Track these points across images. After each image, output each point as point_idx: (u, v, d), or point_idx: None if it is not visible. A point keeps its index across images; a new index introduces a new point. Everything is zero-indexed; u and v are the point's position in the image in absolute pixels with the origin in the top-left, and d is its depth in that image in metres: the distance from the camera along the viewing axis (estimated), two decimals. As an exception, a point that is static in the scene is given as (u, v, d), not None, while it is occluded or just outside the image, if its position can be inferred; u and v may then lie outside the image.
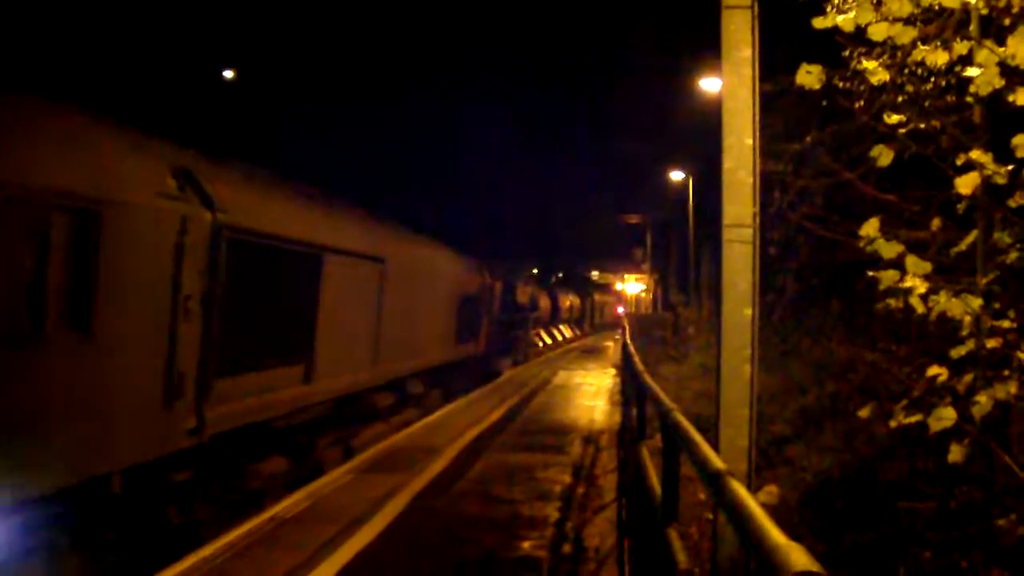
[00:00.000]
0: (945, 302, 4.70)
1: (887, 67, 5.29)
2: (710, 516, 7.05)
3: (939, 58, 5.00)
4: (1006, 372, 4.76)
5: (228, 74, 33.57)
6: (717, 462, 2.44)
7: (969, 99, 5.13)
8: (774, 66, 7.08)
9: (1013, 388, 4.60)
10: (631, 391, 8.09)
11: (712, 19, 6.29)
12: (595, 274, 79.60)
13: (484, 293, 24.34)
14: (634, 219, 58.81)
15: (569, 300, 52.46)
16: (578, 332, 56.01)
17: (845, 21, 4.84)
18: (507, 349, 30.61)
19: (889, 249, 4.77)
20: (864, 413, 5.94)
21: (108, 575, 6.88)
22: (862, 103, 6.20)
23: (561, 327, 49.22)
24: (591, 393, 20.39)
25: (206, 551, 6.99)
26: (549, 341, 43.25)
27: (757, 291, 6.22)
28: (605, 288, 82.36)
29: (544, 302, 41.75)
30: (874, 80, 5.23)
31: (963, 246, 5.11)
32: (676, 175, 33.65)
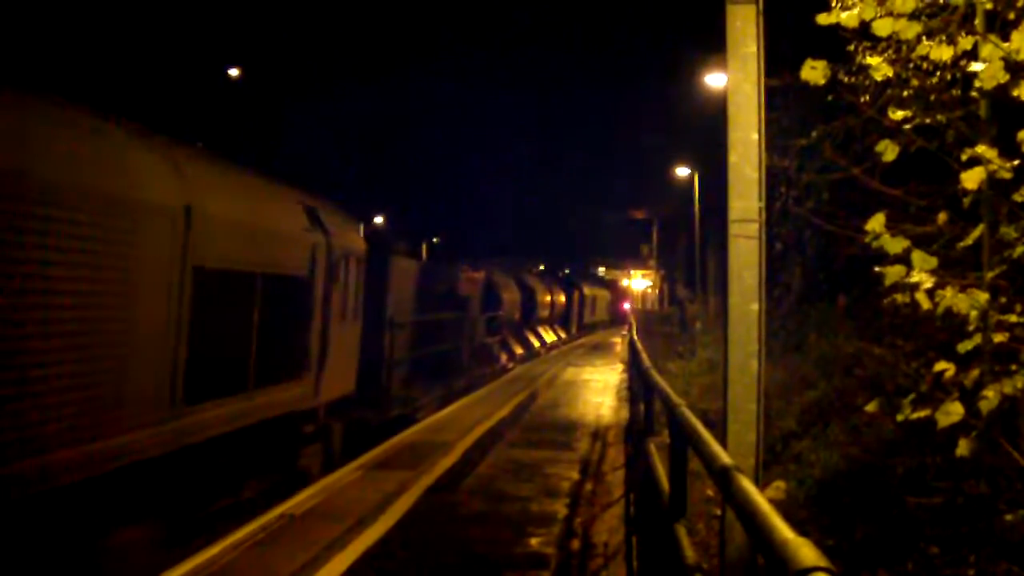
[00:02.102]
0: (951, 297, 4.70)
1: (891, 62, 5.29)
2: (718, 512, 7.06)
3: (944, 53, 5.00)
4: (1013, 367, 4.76)
5: (233, 72, 33.63)
6: (724, 457, 2.45)
7: (974, 94, 5.13)
8: (779, 62, 7.08)
9: (1020, 383, 4.60)
10: (638, 387, 8.10)
11: (717, 15, 6.31)
12: (601, 270, 79.04)
13: (338, 272, 11.72)
14: (640, 214, 58.81)
15: (550, 295, 39.75)
16: (562, 335, 43.51)
17: (849, 17, 4.84)
18: (437, 374, 19.17)
19: (895, 244, 4.78)
20: (871, 408, 5.95)
21: None
22: (867, 98, 6.19)
23: (540, 330, 37.74)
24: (598, 389, 20.39)
25: (215, 549, 7.02)
26: (520, 351, 31.79)
27: (763, 286, 6.23)
28: (598, 280, 72.05)
29: (510, 296, 30.09)
30: (878, 76, 5.23)
31: (969, 241, 5.11)
32: (682, 171, 33.60)
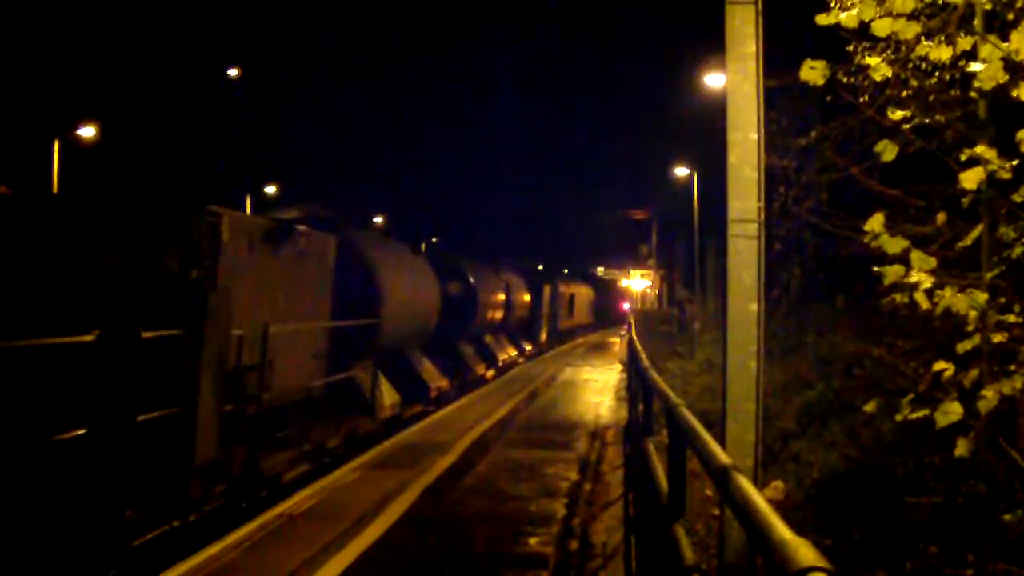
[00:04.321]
0: (950, 297, 4.70)
1: (891, 63, 5.29)
2: (717, 512, 7.07)
3: (943, 53, 5.00)
4: (1012, 367, 4.76)
5: (232, 72, 33.67)
6: (723, 457, 2.45)
7: (973, 94, 5.13)
8: (778, 62, 7.09)
9: (1019, 383, 4.60)
10: (637, 387, 8.11)
11: (717, 15, 6.32)
12: (600, 270, 78.88)
13: None
14: (639, 215, 58.65)
15: (504, 292, 26.95)
16: (527, 347, 31.21)
17: (848, 18, 4.84)
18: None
19: (894, 244, 4.78)
20: (870, 408, 5.95)
21: None
22: (866, 98, 6.19)
23: (487, 341, 25.19)
24: (597, 389, 20.40)
25: (214, 548, 7.02)
26: (440, 383, 18.04)
27: (762, 286, 6.23)
28: (580, 275, 61.44)
29: (413, 290, 16.98)
30: (877, 76, 5.23)
31: (968, 241, 5.11)
32: (681, 171, 33.59)
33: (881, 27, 4.85)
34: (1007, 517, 5.03)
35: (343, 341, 12.72)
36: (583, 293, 49.83)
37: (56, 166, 26.04)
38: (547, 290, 36.05)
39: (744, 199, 6.16)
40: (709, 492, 8.16)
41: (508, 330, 28.84)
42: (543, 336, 35.28)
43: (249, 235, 9.48)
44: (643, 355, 8.99)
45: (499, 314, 26.50)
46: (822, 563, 1.43)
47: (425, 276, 18.49)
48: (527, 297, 31.86)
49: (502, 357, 26.26)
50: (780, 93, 8.61)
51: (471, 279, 22.53)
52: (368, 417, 13.45)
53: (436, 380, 17.91)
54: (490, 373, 23.87)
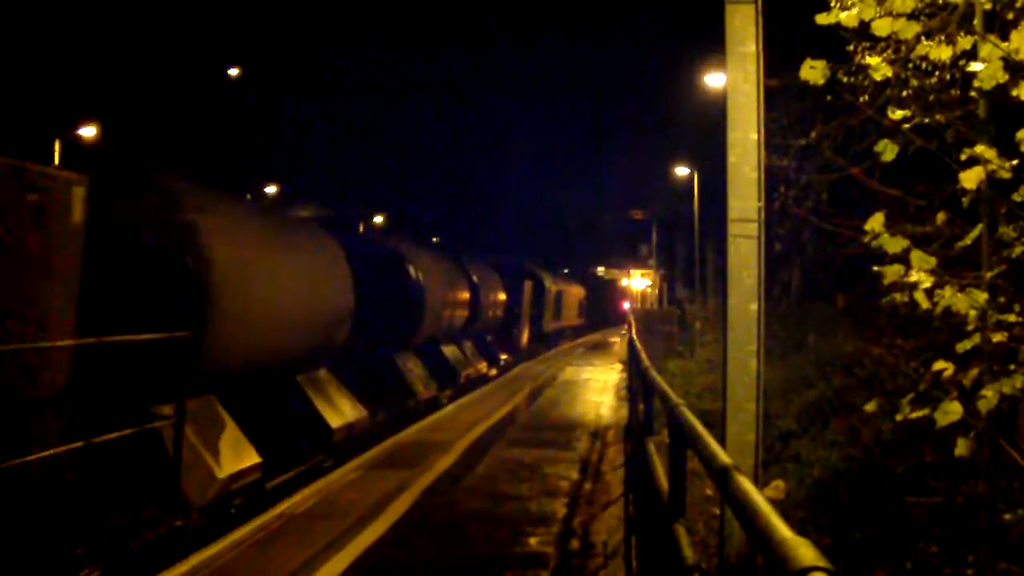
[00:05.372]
0: (950, 296, 4.70)
1: (891, 62, 5.29)
2: (717, 511, 7.07)
3: (943, 53, 4.99)
4: (1012, 366, 4.76)
5: (233, 72, 33.67)
6: (724, 457, 2.45)
7: (973, 94, 5.13)
8: (777, 61, 7.09)
9: (1019, 382, 4.60)
10: (637, 387, 8.10)
11: (717, 14, 6.32)
12: (601, 269, 78.80)
13: None
14: (639, 215, 58.57)
15: (467, 289, 22.14)
16: (504, 357, 26.88)
17: (848, 17, 4.84)
18: None
19: (894, 244, 4.77)
20: (870, 407, 5.95)
21: None
22: (866, 98, 6.20)
23: (446, 352, 20.03)
24: (598, 388, 20.40)
25: (214, 548, 7.02)
26: (355, 419, 12.21)
27: (762, 286, 6.24)
28: (576, 274, 58.91)
29: (256, 282, 9.48)
30: (877, 76, 5.23)
31: (968, 240, 5.11)
32: (681, 171, 33.59)
33: (881, 27, 4.85)
34: (1007, 517, 5.04)
35: (125, 369, 7.65)
36: (572, 292, 44.61)
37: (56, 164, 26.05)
38: (528, 287, 30.19)
39: (744, 199, 6.17)
40: (709, 491, 8.16)
41: (475, 336, 23.59)
42: (523, 340, 30.13)
43: None
44: (643, 354, 8.98)
45: (461, 314, 21.41)
46: (822, 563, 1.44)
47: (328, 263, 12.63)
48: (502, 295, 26.62)
49: (466, 372, 20.92)
50: (781, 92, 8.62)
51: (414, 271, 17.23)
52: (173, 503, 7.64)
53: (345, 414, 12.11)
54: (446, 394, 18.70)
